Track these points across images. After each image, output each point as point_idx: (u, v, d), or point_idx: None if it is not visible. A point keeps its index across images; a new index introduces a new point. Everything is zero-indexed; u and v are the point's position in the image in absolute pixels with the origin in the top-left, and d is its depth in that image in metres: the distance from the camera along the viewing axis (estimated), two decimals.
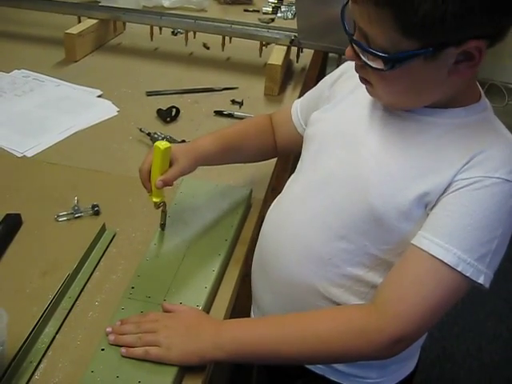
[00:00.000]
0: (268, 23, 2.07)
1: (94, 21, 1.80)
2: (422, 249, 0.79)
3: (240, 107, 1.52)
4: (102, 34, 1.85)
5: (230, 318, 0.95)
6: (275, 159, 1.29)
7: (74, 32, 1.71)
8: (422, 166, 0.82)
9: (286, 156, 1.54)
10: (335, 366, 0.98)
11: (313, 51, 1.84)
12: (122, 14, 1.84)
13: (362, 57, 0.79)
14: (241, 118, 1.45)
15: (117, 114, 1.46)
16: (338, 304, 0.91)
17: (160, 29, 1.82)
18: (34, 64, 1.68)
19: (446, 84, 0.79)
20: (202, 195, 1.12)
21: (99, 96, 1.53)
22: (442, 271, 0.78)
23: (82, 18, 1.82)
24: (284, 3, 2.31)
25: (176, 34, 1.96)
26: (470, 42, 0.73)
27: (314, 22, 1.60)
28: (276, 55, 1.63)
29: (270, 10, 2.24)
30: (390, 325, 0.79)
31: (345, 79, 1.00)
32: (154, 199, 0.97)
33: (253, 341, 0.82)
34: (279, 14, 2.21)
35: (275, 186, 1.69)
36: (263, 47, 1.74)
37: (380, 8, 0.72)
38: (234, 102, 1.54)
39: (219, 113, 1.47)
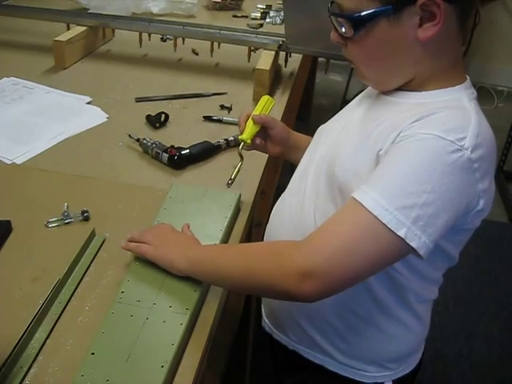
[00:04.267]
0: (257, 29, 2.09)
1: (83, 28, 1.81)
2: (351, 196, 0.81)
3: (229, 112, 1.53)
4: (91, 41, 1.86)
5: (219, 322, 0.97)
6: (264, 163, 1.30)
7: (63, 39, 1.72)
8: (377, 135, 0.86)
9: (275, 160, 1.56)
10: (334, 356, 1.01)
11: (301, 56, 1.85)
12: (111, 21, 1.85)
13: (338, 29, 0.87)
14: (230, 123, 1.46)
15: (106, 120, 1.46)
16: None
17: (149, 35, 1.82)
18: (23, 71, 1.69)
19: (416, 51, 0.84)
20: (191, 200, 1.12)
21: (88, 103, 1.54)
22: (360, 213, 0.78)
23: (70, 26, 1.83)
24: (272, 9, 2.32)
25: (165, 41, 1.97)
26: None
27: (301, 28, 1.62)
28: (264, 60, 1.64)
29: (259, 15, 2.25)
30: (302, 254, 0.79)
31: None
32: (241, 136, 1.09)
33: (207, 258, 0.92)
34: (268, 20, 2.22)
35: (264, 190, 1.71)
36: (252, 52, 1.75)
37: None
38: (222, 107, 1.55)
39: (208, 118, 1.48)
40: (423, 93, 0.88)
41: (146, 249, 0.96)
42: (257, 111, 1.13)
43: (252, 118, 1.10)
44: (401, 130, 0.82)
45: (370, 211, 0.77)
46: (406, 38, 0.83)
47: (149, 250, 0.95)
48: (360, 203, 0.78)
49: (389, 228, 0.76)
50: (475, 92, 0.90)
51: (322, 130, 1.07)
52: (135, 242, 0.98)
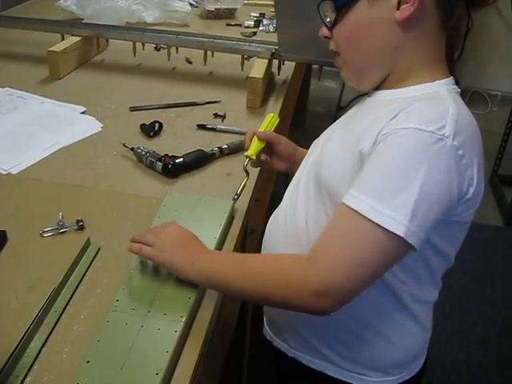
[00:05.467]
0: (250, 37, 2.10)
1: (77, 38, 1.82)
2: (343, 202, 0.82)
3: (223, 120, 1.54)
4: (86, 51, 1.87)
5: (214, 329, 0.97)
6: (258, 170, 1.31)
7: (58, 49, 1.73)
8: (358, 132, 0.88)
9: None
10: (335, 361, 1.02)
11: (294, 63, 1.87)
12: (105, 31, 1.86)
13: (325, 21, 0.93)
14: (223, 132, 1.47)
15: (100, 129, 1.47)
16: None
17: (143, 45, 1.84)
18: (17, 82, 1.69)
19: (395, 35, 0.87)
20: (185, 208, 1.13)
21: (83, 112, 1.55)
22: (357, 221, 0.79)
23: (65, 36, 1.85)
24: (266, 17, 2.34)
25: (159, 50, 1.99)
26: None
27: (294, 35, 1.63)
28: (257, 68, 1.65)
29: (252, 23, 2.27)
30: (312, 275, 0.80)
31: None
32: (247, 153, 1.11)
33: (215, 270, 0.91)
34: (261, 28, 2.24)
35: (259, 197, 1.71)
36: (245, 60, 1.76)
37: None
38: (216, 115, 1.55)
39: (202, 126, 1.49)
40: (401, 89, 0.91)
41: (149, 252, 0.94)
42: (262, 128, 1.16)
43: (256, 135, 1.12)
44: (381, 127, 0.83)
45: (366, 217, 0.78)
46: (385, 20, 0.87)
47: (152, 253, 0.93)
48: (355, 210, 0.79)
49: (388, 230, 0.77)
50: (458, 89, 0.92)
51: (317, 141, 1.09)
52: (137, 242, 0.96)
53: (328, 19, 0.92)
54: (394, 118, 0.83)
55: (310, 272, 0.81)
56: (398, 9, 0.85)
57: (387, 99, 0.92)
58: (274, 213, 1.11)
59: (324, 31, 0.95)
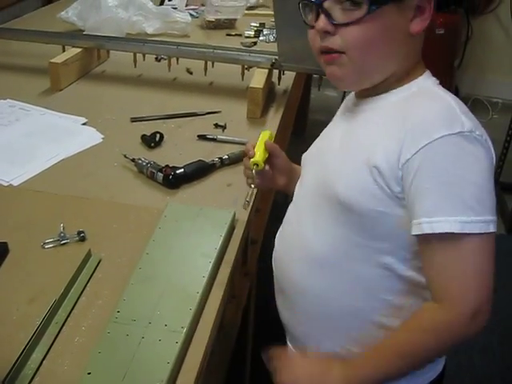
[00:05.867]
0: (250, 47, 2.11)
1: (78, 49, 1.83)
2: (430, 233, 0.82)
3: (223, 131, 1.54)
4: (87, 62, 1.88)
5: (216, 340, 0.97)
6: None
7: (59, 61, 1.74)
8: (365, 145, 0.89)
9: None
10: None
11: (295, 73, 1.87)
12: (106, 42, 1.87)
13: (336, 19, 0.87)
14: (224, 142, 1.47)
15: (101, 140, 1.48)
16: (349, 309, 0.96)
17: (143, 55, 1.85)
18: (19, 93, 1.70)
19: (406, 44, 0.89)
20: (186, 219, 1.13)
21: (84, 124, 1.55)
22: (457, 243, 0.81)
23: (66, 47, 1.86)
24: (266, 26, 2.35)
25: (159, 60, 1.99)
26: None
27: (294, 45, 1.63)
28: (257, 78, 1.66)
29: (252, 33, 2.28)
30: (460, 315, 0.82)
31: None
32: (254, 159, 1.07)
33: (370, 377, 0.88)
34: (261, 38, 2.25)
35: (259, 208, 1.71)
36: (245, 70, 1.77)
37: None
38: (217, 125, 1.56)
39: (202, 137, 1.49)
40: (392, 91, 0.92)
41: None
42: (261, 142, 1.11)
43: (265, 143, 1.10)
44: (399, 145, 0.84)
45: (462, 233, 0.80)
46: (402, 29, 0.88)
47: None
48: (449, 233, 0.80)
49: (482, 233, 0.81)
50: (437, 80, 0.94)
51: (306, 157, 1.08)
52: None
53: (341, 18, 0.87)
54: (406, 133, 0.84)
55: (453, 314, 0.83)
56: (411, 20, 0.87)
57: (382, 105, 0.93)
58: (278, 232, 1.10)
59: (325, 24, 0.87)
